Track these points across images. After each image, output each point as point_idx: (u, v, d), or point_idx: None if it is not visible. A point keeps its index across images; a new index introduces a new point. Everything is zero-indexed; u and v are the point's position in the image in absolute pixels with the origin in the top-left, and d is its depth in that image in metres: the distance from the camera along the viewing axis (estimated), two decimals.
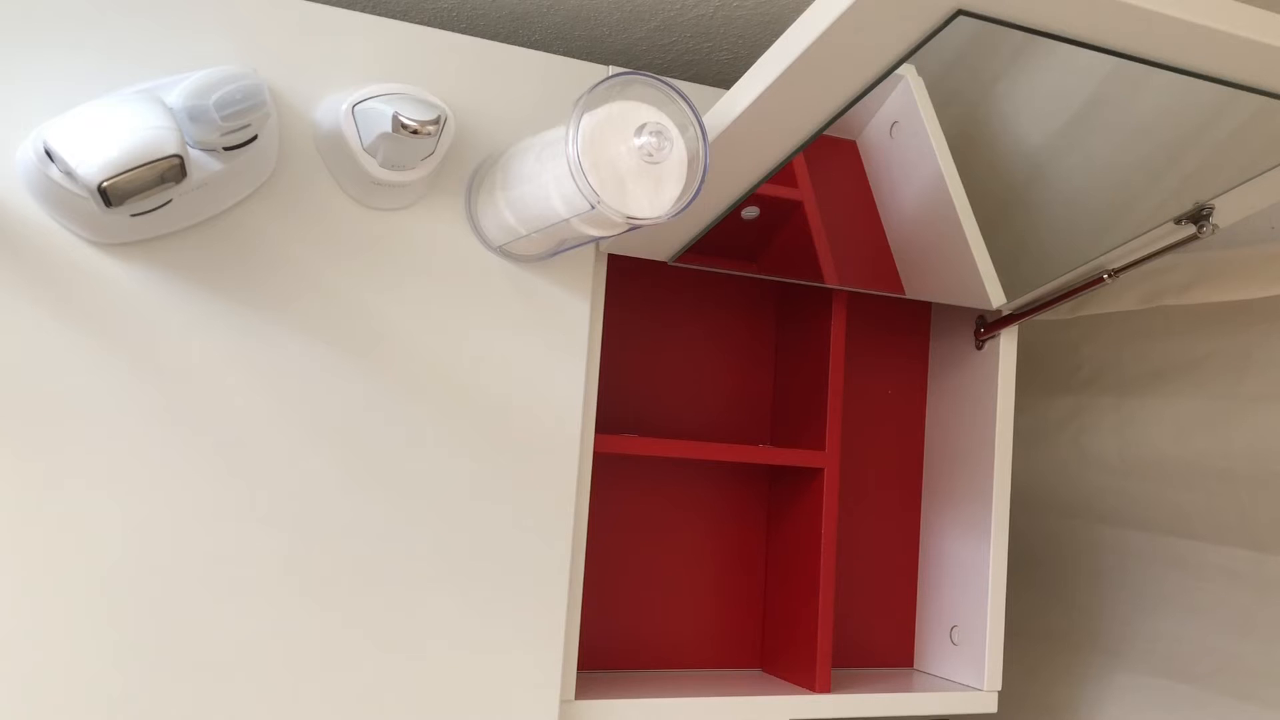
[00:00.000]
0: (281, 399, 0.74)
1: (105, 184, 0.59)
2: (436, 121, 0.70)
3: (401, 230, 0.78)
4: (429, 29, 0.80)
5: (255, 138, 0.69)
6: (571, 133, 0.63)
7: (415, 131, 0.69)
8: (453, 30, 0.84)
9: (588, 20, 1.00)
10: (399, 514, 0.77)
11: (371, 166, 0.73)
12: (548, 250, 0.79)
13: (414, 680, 0.76)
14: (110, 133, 0.60)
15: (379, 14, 0.85)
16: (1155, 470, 1.06)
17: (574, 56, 0.85)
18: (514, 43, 0.92)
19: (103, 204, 0.60)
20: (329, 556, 0.74)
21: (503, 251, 0.80)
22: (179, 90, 0.64)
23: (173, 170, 0.61)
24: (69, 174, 0.62)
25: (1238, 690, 0.97)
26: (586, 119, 0.63)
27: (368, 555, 0.76)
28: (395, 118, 0.69)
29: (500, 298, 0.81)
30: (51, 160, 0.63)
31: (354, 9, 0.79)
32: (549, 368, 0.82)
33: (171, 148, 0.60)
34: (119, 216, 0.65)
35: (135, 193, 0.60)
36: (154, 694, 0.70)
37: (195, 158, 0.67)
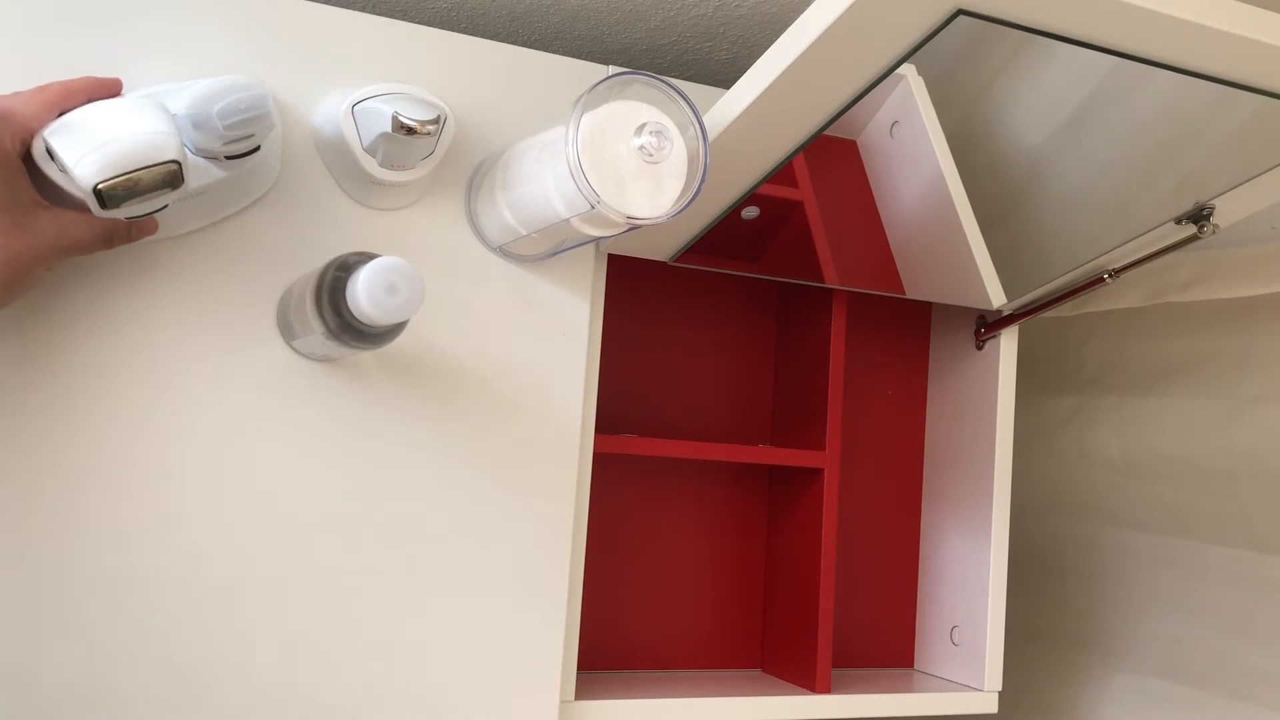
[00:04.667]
0: (280, 399, 0.74)
1: (101, 186, 0.59)
2: (436, 121, 0.70)
3: (401, 230, 0.78)
4: (429, 29, 0.80)
5: (258, 148, 0.69)
6: (571, 133, 0.63)
7: (415, 131, 0.69)
8: (453, 30, 0.84)
9: (587, 20, 1.00)
10: (398, 514, 0.77)
11: (371, 166, 0.73)
12: (548, 250, 0.79)
13: (414, 680, 0.76)
14: (110, 135, 0.60)
15: (379, 14, 0.84)
16: (1156, 470, 1.06)
17: (574, 56, 0.85)
18: (514, 42, 0.92)
19: (98, 206, 0.60)
20: (328, 557, 0.74)
21: (503, 251, 0.80)
22: (184, 96, 0.64)
23: (170, 176, 0.60)
24: (67, 173, 0.62)
25: (1236, 690, 0.97)
26: (586, 119, 0.63)
27: (367, 555, 0.76)
28: (395, 118, 0.69)
29: (500, 298, 0.81)
30: (52, 159, 0.63)
31: (354, 9, 0.79)
32: (549, 368, 0.82)
33: (170, 153, 0.60)
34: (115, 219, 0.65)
35: (131, 196, 0.60)
36: (152, 693, 0.70)
37: (195, 164, 0.67)
